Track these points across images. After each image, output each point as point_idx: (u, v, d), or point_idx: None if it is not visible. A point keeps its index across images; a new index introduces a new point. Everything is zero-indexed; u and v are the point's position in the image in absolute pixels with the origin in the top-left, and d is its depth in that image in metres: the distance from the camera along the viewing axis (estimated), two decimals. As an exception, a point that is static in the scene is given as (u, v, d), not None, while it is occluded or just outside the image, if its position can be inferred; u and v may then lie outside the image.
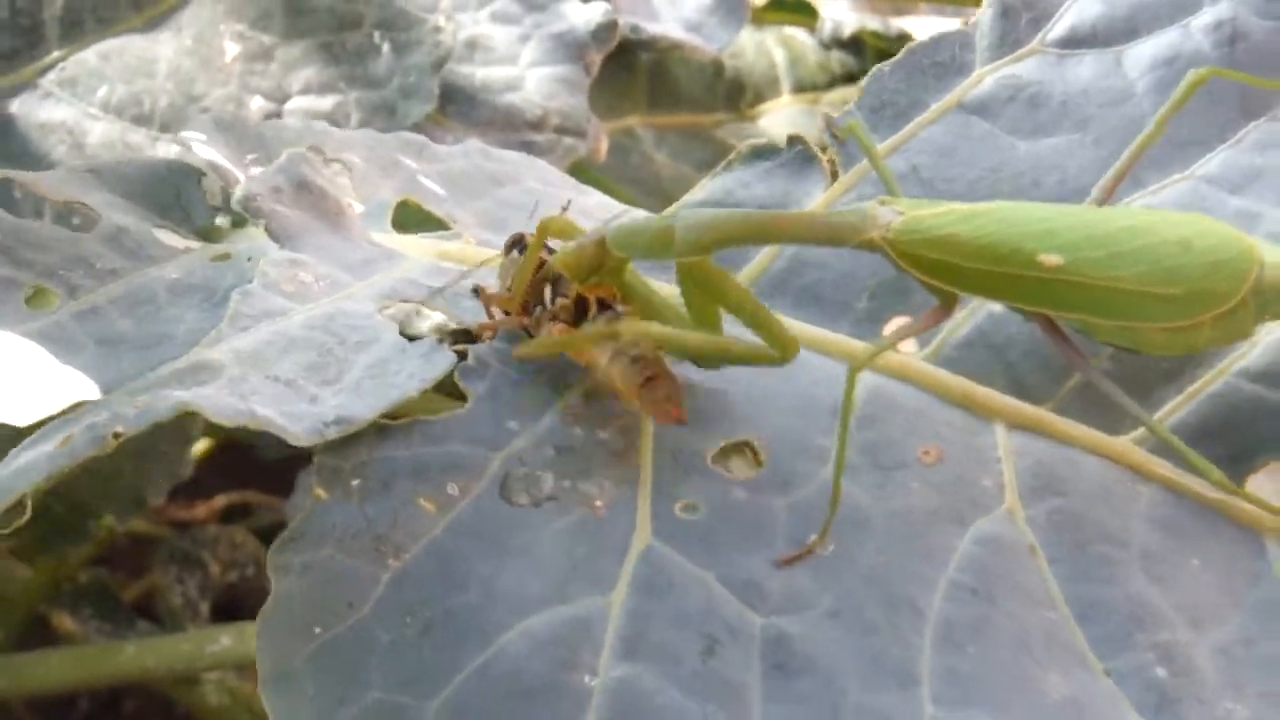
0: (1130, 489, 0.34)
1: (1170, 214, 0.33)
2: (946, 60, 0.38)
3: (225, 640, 0.59)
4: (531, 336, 0.35)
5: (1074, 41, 0.38)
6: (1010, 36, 0.38)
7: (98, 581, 0.67)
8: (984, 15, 0.38)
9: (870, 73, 0.38)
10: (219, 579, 0.69)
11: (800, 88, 0.77)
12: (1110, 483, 0.34)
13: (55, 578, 0.67)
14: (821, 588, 0.31)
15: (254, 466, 0.72)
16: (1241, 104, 0.36)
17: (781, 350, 0.33)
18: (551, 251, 0.35)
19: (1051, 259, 0.32)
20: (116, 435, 0.29)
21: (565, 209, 0.36)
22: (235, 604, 0.71)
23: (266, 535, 0.75)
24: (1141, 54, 0.37)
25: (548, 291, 0.35)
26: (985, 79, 0.38)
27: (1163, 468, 0.34)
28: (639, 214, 0.42)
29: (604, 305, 0.35)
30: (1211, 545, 0.33)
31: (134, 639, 0.64)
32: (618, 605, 0.31)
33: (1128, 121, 0.37)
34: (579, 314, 0.35)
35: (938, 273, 0.33)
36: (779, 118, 0.76)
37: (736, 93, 0.76)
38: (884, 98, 0.38)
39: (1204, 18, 0.37)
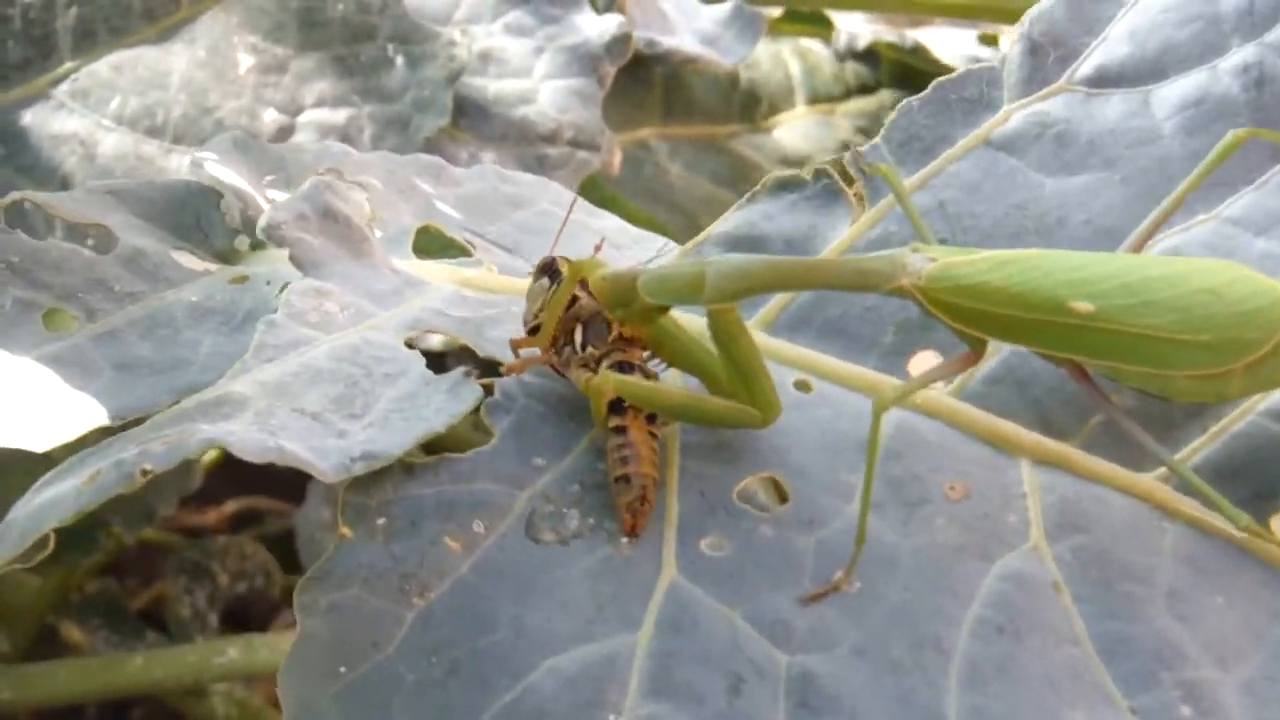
0: (1156, 526, 0.34)
1: (1202, 261, 0.33)
2: (974, 96, 0.38)
3: (232, 652, 0.60)
4: (561, 375, 0.35)
5: (1102, 80, 0.38)
6: (1038, 74, 0.38)
7: (106, 592, 0.67)
8: (1012, 52, 0.38)
9: (898, 107, 0.38)
10: (227, 589, 0.69)
11: (815, 99, 0.77)
12: (1136, 520, 0.34)
13: (64, 588, 0.67)
14: (847, 626, 0.32)
15: (264, 473, 0.72)
16: (1269, 146, 0.36)
17: (765, 411, 0.33)
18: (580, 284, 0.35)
19: (1083, 306, 0.32)
20: (145, 472, 0.29)
21: (599, 248, 0.36)
22: (244, 613, 0.71)
23: (276, 543, 0.75)
24: (1169, 95, 0.37)
25: (579, 333, 0.35)
26: (1013, 116, 0.38)
27: (1188, 505, 0.34)
28: (672, 249, 0.42)
29: (629, 367, 0.34)
30: (1236, 583, 0.33)
31: (142, 650, 0.64)
32: (644, 644, 0.31)
33: (1155, 162, 0.36)
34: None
35: (969, 320, 0.33)
36: (794, 129, 0.76)
37: (752, 104, 0.76)
38: (911, 132, 0.38)
39: (1232, 60, 0.37)
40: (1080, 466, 0.35)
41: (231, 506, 0.80)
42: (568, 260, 0.36)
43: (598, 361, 0.34)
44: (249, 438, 0.31)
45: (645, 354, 0.35)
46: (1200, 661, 0.31)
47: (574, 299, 0.35)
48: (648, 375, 0.34)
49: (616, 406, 0.33)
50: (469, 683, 0.30)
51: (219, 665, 0.59)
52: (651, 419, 0.33)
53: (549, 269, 0.36)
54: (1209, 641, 0.32)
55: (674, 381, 0.37)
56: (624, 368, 0.34)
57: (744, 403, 0.34)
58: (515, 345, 0.36)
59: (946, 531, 0.33)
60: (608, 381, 0.33)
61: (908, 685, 0.31)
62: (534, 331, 0.35)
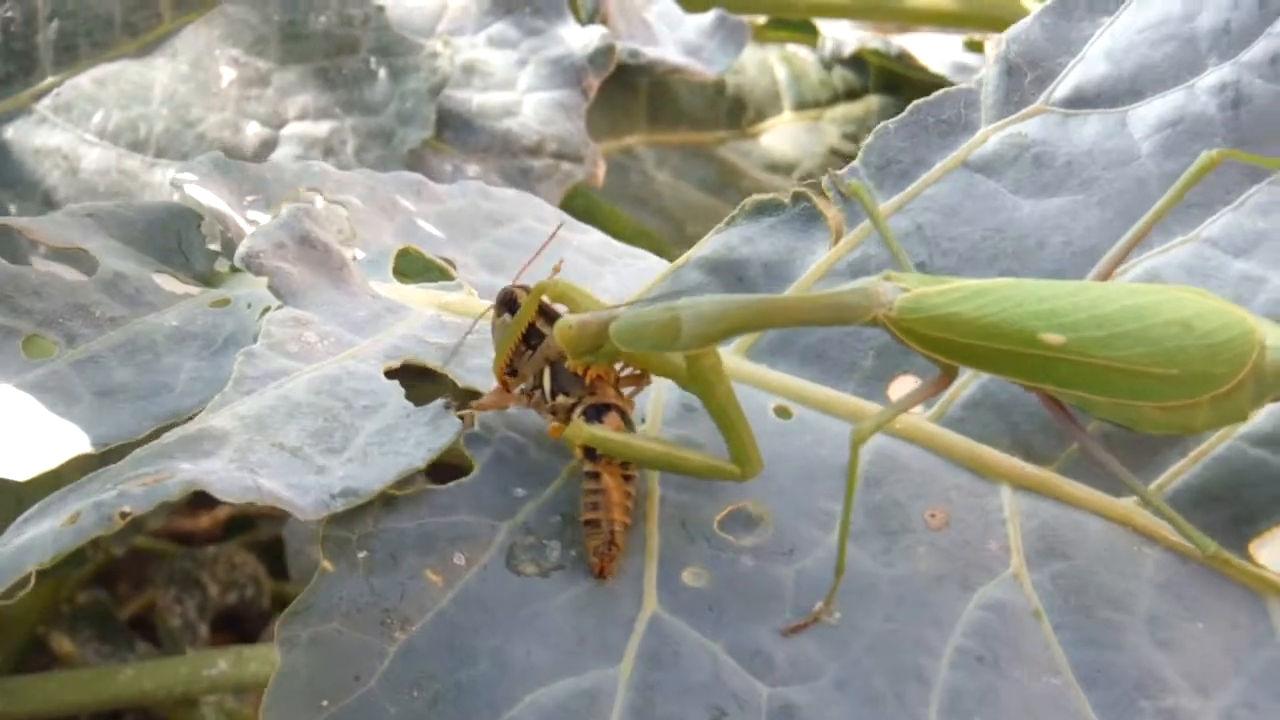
0: (1136, 551, 0.34)
1: (1173, 292, 0.33)
2: (951, 118, 0.38)
3: (223, 664, 0.60)
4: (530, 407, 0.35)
5: (1079, 101, 0.38)
6: (1015, 95, 0.38)
7: (96, 602, 0.67)
8: (988, 73, 0.38)
9: (875, 130, 0.38)
10: (218, 600, 0.69)
11: (802, 104, 0.77)
12: (1116, 545, 0.34)
13: (54, 599, 0.67)
14: (828, 657, 0.32)
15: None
16: (1246, 166, 0.36)
17: (744, 466, 0.33)
18: (545, 314, 0.35)
19: (1053, 338, 0.32)
20: (124, 515, 0.29)
21: (558, 269, 0.36)
22: (234, 623, 0.71)
23: (268, 548, 0.75)
24: (1146, 115, 0.37)
25: (547, 376, 0.34)
26: (990, 138, 0.38)
27: (1168, 530, 0.34)
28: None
29: (604, 408, 0.34)
30: (1216, 608, 0.33)
31: (132, 662, 0.64)
32: (625, 677, 0.31)
33: (1133, 183, 0.36)
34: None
35: (940, 349, 0.33)
36: (781, 135, 0.76)
37: (738, 110, 0.76)
38: (888, 155, 0.38)
39: (1209, 79, 0.37)
40: (1061, 491, 0.35)
41: (225, 511, 0.80)
42: (526, 289, 0.35)
43: (569, 410, 0.34)
44: (228, 477, 0.31)
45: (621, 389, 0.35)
46: (1180, 689, 0.31)
47: (540, 335, 0.34)
48: (625, 415, 0.34)
49: (591, 452, 0.33)
50: (451, 717, 0.30)
51: (209, 677, 0.59)
52: (626, 463, 0.33)
53: (508, 303, 0.35)
54: (1189, 669, 0.32)
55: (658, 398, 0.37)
56: (599, 410, 0.34)
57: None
58: (479, 408, 0.35)
59: (927, 560, 0.33)
60: (580, 434, 0.32)
61: (888, 717, 0.31)
62: (511, 373, 0.35)
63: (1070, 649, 0.32)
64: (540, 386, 0.34)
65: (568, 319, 0.33)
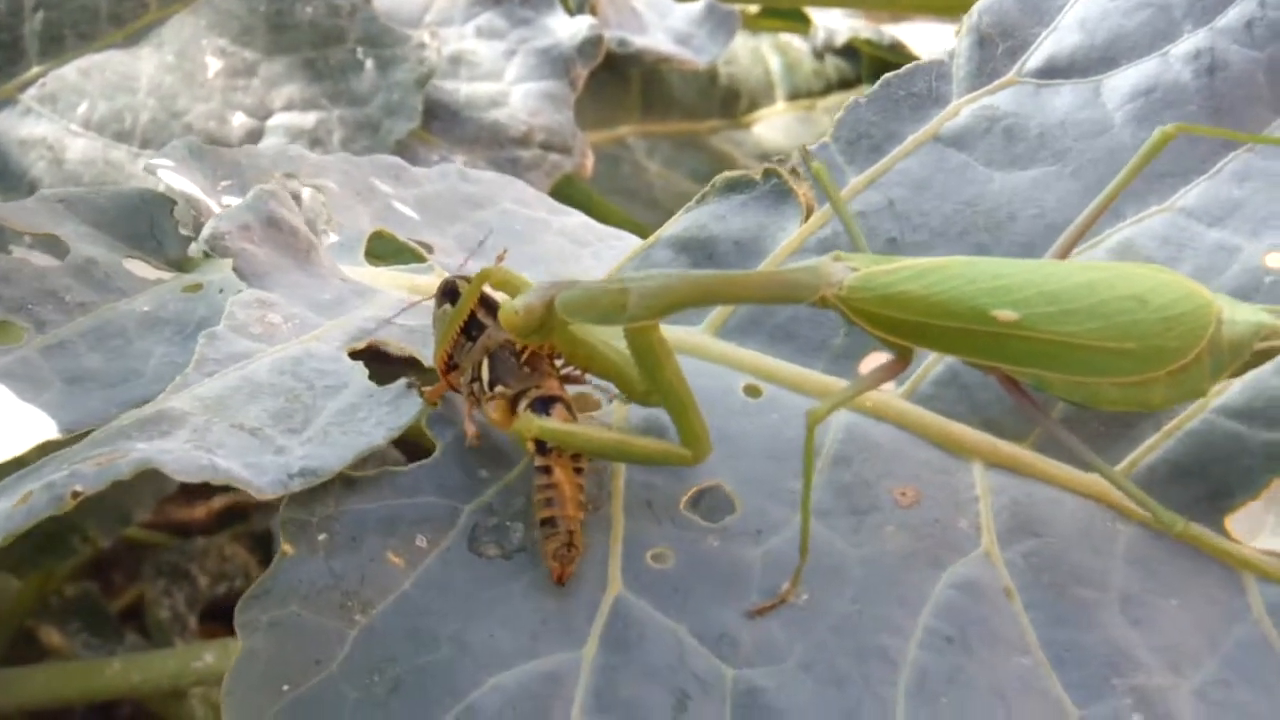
0: (1109, 528, 0.33)
1: (1127, 268, 0.32)
2: (923, 91, 0.37)
3: (209, 657, 0.59)
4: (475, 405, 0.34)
5: (1052, 72, 0.37)
6: (987, 67, 0.37)
7: (86, 595, 0.67)
8: (960, 45, 0.38)
9: (846, 104, 0.38)
10: (207, 591, 0.69)
11: (796, 94, 0.76)
12: (1089, 522, 0.33)
13: (42, 591, 0.66)
14: (794, 638, 0.31)
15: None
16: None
17: (694, 449, 0.32)
18: (485, 304, 0.34)
19: (1005, 315, 0.31)
20: (75, 494, 0.29)
21: (501, 258, 0.35)
22: (224, 614, 0.71)
23: (258, 542, 0.75)
24: (1120, 84, 0.36)
25: (485, 367, 0.33)
26: (962, 110, 0.37)
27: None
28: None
29: (552, 400, 0.33)
30: (1190, 584, 0.32)
31: (121, 654, 0.64)
32: (588, 660, 0.30)
33: (1106, 153, 0.36)
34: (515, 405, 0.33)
35: (892, 329, 0.32)
36: (774, 125, 0.75)
37: (731, 99, 0.75)
38: (860, 130, 0.37)
39: (1183, 46, 0.36)
40: (1033, 468, 0.34)
41: (219, 502, 0.80)
42: (469, 280, 0.34)
43: (514, 399, 0.33)
44: (183, 457, 0.30)
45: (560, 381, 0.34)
46: (1152, 667, 0.31)
47: (482, 326, 0.34)
48: (569, 406, 0.33)
49: (541, 445, 0.32)
50: (412, 701, 0.30)
51: (196, 669, 0.59)
52: (577, 454, 0.32)
53: (449, 293, 0.34)
54: (1162, 646, 0.31)
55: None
56: (547, 402, 0.33)
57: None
58: (429, 396, 0.35)
59: (896, 539, 0.33)
60: (530, 427, 0.31)
61: (854, 698, 0.30)
62: (451, 367, 0.34)
63: (1041, 628, 0.31)
64: (479, 378, 0.34)
65: (511, 301, 0.32)
